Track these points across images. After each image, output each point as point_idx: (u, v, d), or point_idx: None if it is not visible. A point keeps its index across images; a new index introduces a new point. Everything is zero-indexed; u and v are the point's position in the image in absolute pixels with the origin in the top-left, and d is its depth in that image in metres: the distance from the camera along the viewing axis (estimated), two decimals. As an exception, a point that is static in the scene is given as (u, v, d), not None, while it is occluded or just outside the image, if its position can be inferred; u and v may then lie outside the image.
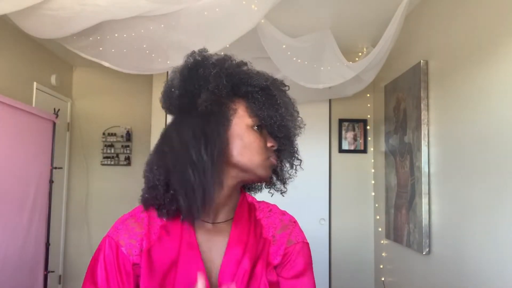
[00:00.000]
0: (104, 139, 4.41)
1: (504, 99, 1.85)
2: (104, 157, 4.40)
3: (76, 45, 2.67)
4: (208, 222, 0.90)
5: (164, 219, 0.89)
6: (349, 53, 3.49)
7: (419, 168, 2.63)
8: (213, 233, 0.90)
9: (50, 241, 3.54)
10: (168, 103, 0.91)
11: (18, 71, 3.49)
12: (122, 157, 4.41)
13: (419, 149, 2.65)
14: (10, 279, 2.95)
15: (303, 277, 0.90)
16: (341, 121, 3.87)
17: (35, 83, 3.73)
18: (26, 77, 3.62)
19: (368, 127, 3.87)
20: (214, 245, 0.88)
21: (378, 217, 3.64)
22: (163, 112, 2.17)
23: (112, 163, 4.39)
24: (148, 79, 4.08)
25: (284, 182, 0.97)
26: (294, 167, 0.97)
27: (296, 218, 0.98)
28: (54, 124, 3.64)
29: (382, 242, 3.50)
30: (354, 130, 3.87)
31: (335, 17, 3.06)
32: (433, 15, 2.61)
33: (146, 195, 0.88)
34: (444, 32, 2.45)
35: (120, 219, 0.91)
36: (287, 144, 0.94)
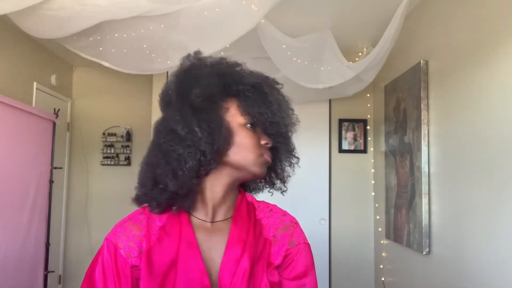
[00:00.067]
0: (104, 139, 4.41)
1: (504, 99, 1.85)
2: (104, 157, 4.40)
3: (76, 45, 2.67)
4: (207, 222, 0.91)
5: (161, 222, 0.89)
6: (349, 53, 3.49)
7: (419, 168, 2.63)
8: (212, 232, 0.90)
9: (50, 241, 3.54)
10: (165, 105, 0.92)
11: (18, 71, 3.49)
12: (122, 157, 4.41)
13: (419, 149, 2.65)
14: (10, 279, 2.95)
15: (305, 278, 0.90)
16: (341, 121, 3.87)
17: (35, 83, 3.73)
18: (26, 77, 3.62)
19: (368, 127, 3.87)
20: (213, 244, 0.88)
21: (378, 217, 3.64)
22: (163, 112, 2.18)
23: (112, 163, 4.39)
24: (148, 79, 4.08)
25: (283, 181, 0.97)
26: (292, 165, 0.97)
27: (296, 219, 0.98)
28: (54, 124, 3.64)
29: (382, 242, 3.50)
30: (354, 130, 3.87)
31: (335, 17, 3.06)
32: (433, 15, 2.61)
33: (138, 193, 0.89)
34: (444, 32, 2.45)
35: (119, 222, 0.92)
36: (283, 142, 0.94)
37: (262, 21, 2.61)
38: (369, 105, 3.89)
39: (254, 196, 1.01)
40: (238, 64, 0.93)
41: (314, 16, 3.04)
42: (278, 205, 1.00)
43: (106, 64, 2.78)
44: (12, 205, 3.01)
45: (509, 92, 1.81)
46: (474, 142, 2.08)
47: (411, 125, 2.79)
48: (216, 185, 0.90)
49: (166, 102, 0.92)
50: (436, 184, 2.51)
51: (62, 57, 4.21)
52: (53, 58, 4.09)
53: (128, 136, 4.41)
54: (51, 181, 3.57)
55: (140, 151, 4.32)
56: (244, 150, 0.87)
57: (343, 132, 3.87)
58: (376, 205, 3.71)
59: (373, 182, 3.81)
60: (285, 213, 0.98)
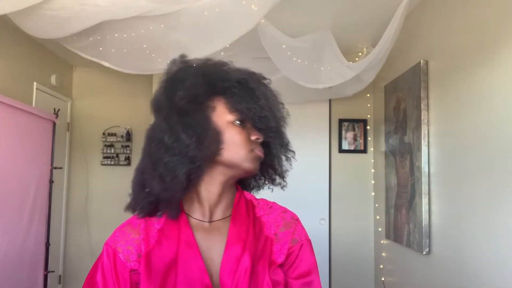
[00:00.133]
0: (104, 139, 4.41)
1: (504, 99, 1.85)
2: (104, 157, 4.40)
3: (76, 45, 2.67)
4: (205, 221, 0.90)
5: (160, 224, 0.89)
6: (349, 53, 3.48)
7: (419, 168, 2.63)
8: (211, 232, 0.90)
9: (50, 241, 3.54)
10: (155, 112, 0.92)
11: (18, 71, 3.49)
12: (122, 157, 4.41)
13: (419, 149, 2.65)
14: (10, 279, 2.95)
15: (310, 275, 0.91)
16: (341, 121, 3.87)
17: (35, 83, 3.73)
18: (26, 77, 3.62)
19: (368, 127, 3.87)
20: (212, 244, 0.88)
21: (378, 217, 3.64)
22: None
23: (112, 163, 4.39)
24: (148, 79, 4.08)
25: (282, 176, 0.97)
26: (289, 160, 0.96)
27: (297, 215, 0.98)
28: (54, 124, 3.64)
29: (382, 242, 3.50)
30: (354, 130, 3.87)
31: (335, 17, 3.06)
32: (433, 15, 2.61)
33: (130, 200, 0.90)
34: (444, 32, 2.44)
35: (118, 227, 0.93)
36: (275, 136, 0.93)
37: (262, 21, 2.61)
38: (369, 105, 3.89)
39: (255, 194, 1.01)
40: (224, 63, 0.92)
41: (314, 16, 3.04)
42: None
43: (106, 64, 2.78)
44: (12, 205, 3.01)
45: (509, 92, 1.81)
46: (474, 142, 2.08)
47: (411, 125, 2.79)
48: (211, 184, 0.90)
49: (155, 109, 0.92)
50: (436, 184, 2.51)
51: (62, 57, 4.21)
52: (53, 58, 4.09)
53: (128, 136, 4.41)
54: (51, 181, 3.57)
55: (140, 151, 4.31)
56: (234, 147, 0.87)
57: (343, 132, 3.87)
58: (376, 205, 3.71)
59: (373, 182, 3.81)
60: (285, 210, 0.97)
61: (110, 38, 2.60)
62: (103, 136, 4.42)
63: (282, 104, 0.94)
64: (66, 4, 2.14)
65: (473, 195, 2.09)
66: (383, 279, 3.46)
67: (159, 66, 2.85)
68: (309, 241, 0.94)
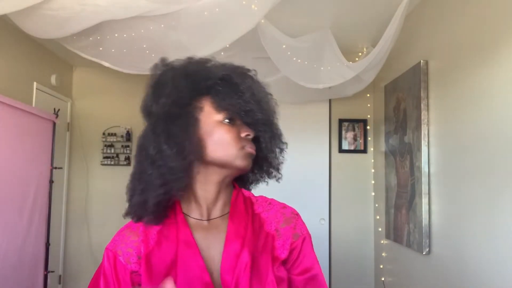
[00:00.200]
0: (104, 139, 4.41)
1: (504, 99, 1.85)
2: (104, 157, 4.40)
3: (76, 45, 2.67)
4: (203, 220, 0.90)
5: (159, 226, 0.90)
6: (349, 53, 3.48)
7: (419, 168, 2.63)
8: (209, 231, 0.90)
9: (50, 241, 3.54)
10: (146, 120, 0.93)
11: (18, 71, 3.49)
12: (122, 157, 4.41)
13: (419, 149, 2.65)
14: (10, 279, 2.95)
15: (313, 269, 0.91)
16: (341, 121, 3.87)
17: (35, 83, 3.73)
18: (26, 77, 3.62)
19: (368, 127, 3.87)
20: (211, 242, 0.88)
21: (378, 217, 3.64)
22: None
23: (112, 163, 4.38)
24: (148, 79, 4.07)
25: (277, 168, 0.96)
26: (282, 152, 0.95)
27: (296, 209, 0.98)
28: (54, 124, 3.64)
29: (382, 242, 3.50)
30: (354, 130, 3.87)
31: (335, 17, 3.06)
32: (433, 15, 2.61)
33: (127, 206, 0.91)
34: (444, 32, 2.44)
35: (118, 231, 0.93)
36: (264, 129, 0.92)
37: (262, 21, 2.61)
38: (369, 105, 3.89)
39: (253, 190, 1.01)
40: (207, 60, 0.91)
41: (314, 16, 3.04)
42: None
43: (106, 64, 2.78)
44: (12, 205, 3.01)
45: (509, 92, 1.81)
46: (474, 142, 2.08)
47: (411, 125, 2.79)
48: (207, 184, 0.90)
49: (144, 115, 0.93)
50: (436, 184, 2.51)
51: (62, 57, 4.21)
52: (53, 58, 4.09)
53: (128, 136, 4.40)
54: (51, 181, 3.57)
55: (140, 151, 4.31)
56: (224, 146, 0.87)
57: (343, 132, 3.87)
58: (376, 205, 3.71)
59: (373, 182, 3.81)
60: (284, 206, 0.97)
61: (110, 38, 2.60)
62: (103, 136, 4.41)
63: (270, 94, 0.92)
64: (66, 4, 2.14)
65: (473, 195, 2.09)
66: (383, 279, 3.46)
67: (159, 66, 2.85)
68: (310, 235, 0.94)
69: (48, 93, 3.94)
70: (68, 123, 4.42)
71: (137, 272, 0.87)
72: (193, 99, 0.87)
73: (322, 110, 3.90)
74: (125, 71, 2.90)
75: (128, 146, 4.41)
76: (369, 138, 3.86)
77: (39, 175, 3.39)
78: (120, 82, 4.40)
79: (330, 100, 3.89)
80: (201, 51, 2.67)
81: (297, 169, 3.70)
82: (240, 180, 0.98)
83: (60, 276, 4.24)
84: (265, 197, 0.98)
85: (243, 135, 0.89)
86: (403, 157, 2.96)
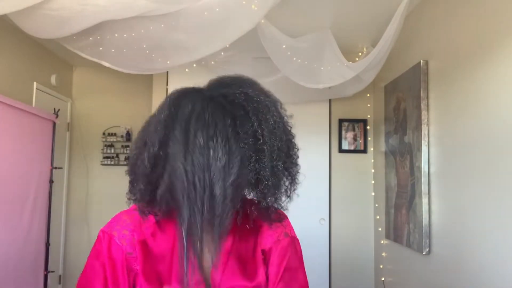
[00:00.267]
0: (104, 139, 4.41)
1: (504, 99, 1.85)
2: (104, 157, 4.40)
3: (76, 45, 2.67)
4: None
5: (156, 218, 0.90)
6: (349, 53, 3.48)
7: (419, 168, 2.63)
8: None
9: (50, 241, 3.54)
10: None
11: (18, 71, 3.49)
12: (122, 157, 4.41)
13: (419, 149, 2.65)
14: (11, 279, 2.95)
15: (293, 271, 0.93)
16: (341, 121, 3.87)
17: (35, 83, 3.73)
18: (26, 77, 3.62)
19: (368, 127, 3.87)
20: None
21: (378, 217, 3.64)
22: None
23: (112, 163, 4.39)
24: (148, 79, 4.08)
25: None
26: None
27: (296, 218, 0.99)
28: (54, 124, 3.64)
29: (382, 242, 3.50)
30: (354, 130, 3.87)
31: (335, 17, 3.06)
32: (433, 15, 2.61)
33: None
34: (444, 32, 2.45)
35: (113, 216, 0.94)
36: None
37: (262, 21, 2.61)
38: (369, 105, 3.89)
39: None
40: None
41: (314, 16, 3.04)
42: None
43: (106, 64, 2.78)
44: (12, 205, 3.01)
45: (509, 92, 1.81)
46: (474, 142, 2.08)
47: (411, 125, 2.79)
48: None
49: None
50: (436, 184, 2.51)
51: (62, 57, 4.21)
52: (53, 58, 4.09)
53: (128, 136, 4.41)
54: (51, 181, 3.57)
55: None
56: None
57: (343, 132, 3.87)
58: (376, 205, 3.71)
59: (373, 182, 3.81)
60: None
61: (110, 38, 2.60)
62: (103, 136, 4.42)
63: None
64: (66, 4, 2.14)
65: (473, 195, 2.09)
66: (383, 279, 3.46)
67: (159, 66, 2.85)
68: (297, 239, 0.98)
69: (48, 93, 3.94)
70: (68, 123, 4.42)
71: (132, 254, 0.87)
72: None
73: (322, 110, 3.90)
74: (125, 71, 2.90)
75: (128, 146, 4.41)
76: (369, 138, 3.86)
77: (39, 175, 3.39)
78: (120, 82, 4.40)
79: (330, 100, 3.89)
80: (201, 51, 2.67)
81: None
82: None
83: (60, 276, 4.25)
84: (282, 228, 0.97)
85: None
86: (403, 157, 2.96)
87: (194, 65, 3.44)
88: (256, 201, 0.88)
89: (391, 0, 2.67)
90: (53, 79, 4.04)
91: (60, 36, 2.52)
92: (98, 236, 0.90)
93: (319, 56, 3.05)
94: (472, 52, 2.13)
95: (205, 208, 0.76)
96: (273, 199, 0.86)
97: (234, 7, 2.34)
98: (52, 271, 3.70)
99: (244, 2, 2.28)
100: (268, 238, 0.93)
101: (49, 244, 3.51)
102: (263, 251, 0.91)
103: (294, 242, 0.95)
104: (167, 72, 3.85)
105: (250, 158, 0.80)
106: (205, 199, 0.76)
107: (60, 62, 4.25)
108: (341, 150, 3.86)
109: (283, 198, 0.89)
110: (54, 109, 3.67)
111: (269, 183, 0.82)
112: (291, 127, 0.90)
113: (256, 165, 0.81)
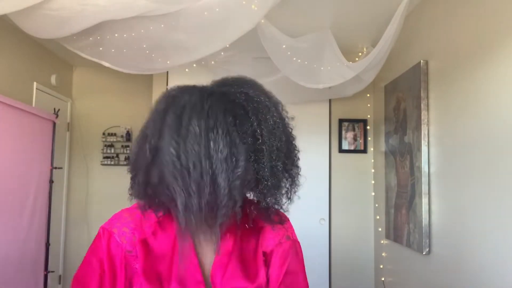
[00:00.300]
0: (104, 139, 4.41)
1: (504, 99, 1.85)
2: (104, 157, 4.40)
3: (76, 45, 2.67)
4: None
5: (157, 217, 0.90)
6: (349, 53, 3.48)
7: (419, 168, 2.63)
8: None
9: (50, 241, 3.54)
10: None
11: (18, 71, 3.49)
12: (122, 157, 4.41)
13: (419, 149, 2.65)
14: (11, 279, 2.95)
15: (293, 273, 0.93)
16: (341, 121, 3.87)
17: (35, 83, 3.73)
18: (26, 77, 3.62)
19: (368, 127, 3.87)
20: (205, 239, 0.89)
21: (378, 217, 3.64)
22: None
23: (112, 163, 4.39)
24: (148, 79, 4.08)
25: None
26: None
27: (296, 218, 0.99)
28: (54, 124, 3.64)
29: (382, 242, 3.50)
30: (354, 130, 3.87)
31: (335, 17, 3.06)
32: (433, 15, 2.61)
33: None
34: (444, 32, 2.45)
35: (115, 213, 0.94)
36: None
37: (262, 21, 2.61)
38: (369, 105, 3.89)
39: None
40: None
41: (314, 16, 3.04)
42: None
43: (106, 64, 2.78)
44: (12, 205, 3.01)
45: (509, 92, 1.81)
46: (474, 142, 2.08)
47: (411, 125, 2.79)
48: None
49: None
50: (436, 184, 2.51)
51: (62, 57, 4.21)
52: (53, 58, 4.09)
53: (128, 136, 4.41)
54: (51, 181, 3.57)
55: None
56: None
57: (343, 132, 3.87)
58: (376, 205, 3.71)
59: (373, 182, 3.81)
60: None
61: (110, 38, 2.60)
62: (103, 136, 4.42)
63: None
64: (66, 4, 2.14)
65: (473, 195, 2.09)
66: (383, 279, 3.46)
67: (159, 66, 2.85)
68: (298, 242, 0.97)
69: (48, 93, 3.94)
70: (68, 123, 4.42)
71: (132, 252, 0.86)
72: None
73: (322, 110, 3.90)
74: (125, 71, 2.90)
75: (128, 146, 4.41)
76: (369, 138, 3.86)
77: (39, 175, 3.39)
78: (120, 82, 4.40)
79: (330, 100, 3.89)
80: (201, 51, 2.67)
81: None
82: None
83: (60, 276, 4.25)
84: (284, 230, 0.97)
85: None
86: (403, 157, 2.96)
87: (194, 65, 3.45)
88: (256, 201, 0.88)
89: (391, 0, 2.67)
90: (53, 79, 4.04)
91: (60, 36, 2.52)
92: (98, 232, 0.90)
93: (319, 56, 3.05)
94: (472, 52, 2.13)
95: (205, 193, 0.74)
96: (273, 200, 0.85)
97: (234, 7, 2.34)
98: (52, 271, 3.70)
99: (244, 2, 2.28)
100: (270, 240, 0.92)
101: (49, 244, 3.51)
102: (264, 253, 0.91)
103: (295, 245, 0.95)
104: (167, 72, 3.85)
105: (249, 158, 0.79)
106: (202, 184, 0.74)
107: (60, 62, 4.25)
108: (341, 150, 3.86)
109: (284, 200, 0.89)
110: (54, 109, 3.67)
111: (269, 183, 0.82)
112: (292, 129, 0.90)
113: (255, 165, 0.80)
